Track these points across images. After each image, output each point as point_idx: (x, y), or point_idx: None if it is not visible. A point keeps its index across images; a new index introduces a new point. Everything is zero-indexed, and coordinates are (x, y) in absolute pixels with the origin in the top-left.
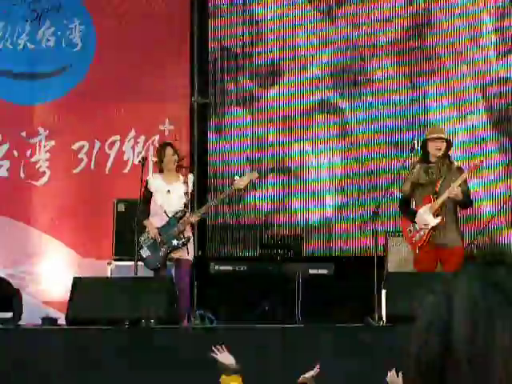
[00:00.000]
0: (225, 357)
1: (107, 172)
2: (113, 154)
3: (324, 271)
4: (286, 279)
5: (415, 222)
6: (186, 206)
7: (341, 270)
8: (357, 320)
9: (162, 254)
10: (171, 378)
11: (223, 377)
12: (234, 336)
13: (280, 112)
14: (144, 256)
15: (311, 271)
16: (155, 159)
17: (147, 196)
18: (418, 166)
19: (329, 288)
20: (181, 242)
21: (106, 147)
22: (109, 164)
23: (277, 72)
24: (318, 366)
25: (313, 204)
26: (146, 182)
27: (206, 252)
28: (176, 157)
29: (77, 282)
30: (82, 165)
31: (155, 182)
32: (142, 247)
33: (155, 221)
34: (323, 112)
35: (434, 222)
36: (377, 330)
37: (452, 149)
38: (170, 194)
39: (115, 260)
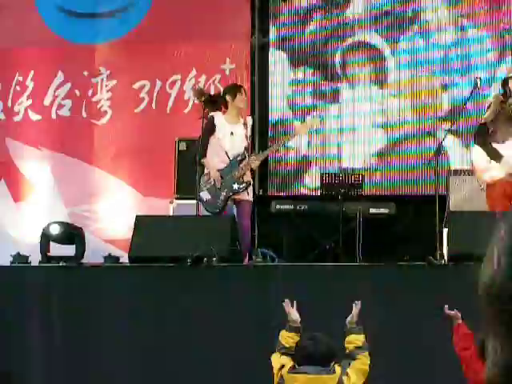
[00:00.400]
0: (292, 313)
1: (168, 111)
2: (174, 93)
3: (385, 210)
4: (347, 218)
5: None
6: (246, 149)
7: (402, 209)
8: (418, 259)
9: (222, 198)
10: (233, 316)
11: (283, 331)
12: (295, 274)
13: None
14: (204, 199)
15: (372, 210)
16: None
17: (210, 131)
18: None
19: (390, 227)
20: (241, 186)
21: (167, 86)
22: (170, 103)
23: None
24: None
25: (363, 142)
26: (211, 117)
27: (267, 191)
28: (246, 100)
29: (139, 221)
30: (144, 104)
31: (219, 120)
32: (202, 189)
33: (215, 162)
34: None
35: None
36: (439, 268)
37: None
38: (233, 136)
39: (177, 199)
